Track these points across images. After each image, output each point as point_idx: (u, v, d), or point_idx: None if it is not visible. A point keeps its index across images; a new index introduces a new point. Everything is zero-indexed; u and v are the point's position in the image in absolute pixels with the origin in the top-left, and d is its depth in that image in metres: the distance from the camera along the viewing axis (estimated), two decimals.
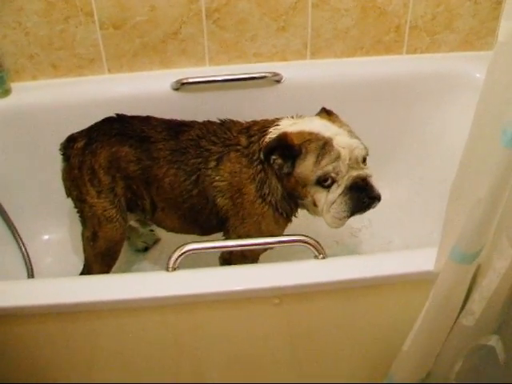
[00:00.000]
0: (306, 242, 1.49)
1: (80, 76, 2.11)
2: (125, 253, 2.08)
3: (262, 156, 1.62)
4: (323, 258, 1.49)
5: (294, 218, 1.78)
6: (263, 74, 2.09)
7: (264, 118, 1.79)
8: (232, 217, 1.73)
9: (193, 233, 1.87)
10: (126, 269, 2.13)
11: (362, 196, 1.57)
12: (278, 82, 2.11)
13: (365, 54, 2.20)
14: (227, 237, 1.78)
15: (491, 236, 1.34)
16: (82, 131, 1.81)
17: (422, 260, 1.47)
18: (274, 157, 1.60)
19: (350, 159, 1.55)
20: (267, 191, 1.67)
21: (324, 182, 1.56)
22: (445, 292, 1.39)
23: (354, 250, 2.20)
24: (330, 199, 1.57)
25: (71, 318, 1.47)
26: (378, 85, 2.16)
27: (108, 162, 1.74)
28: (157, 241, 2.25)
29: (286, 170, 1.60)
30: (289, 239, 1.55)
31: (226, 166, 1.69)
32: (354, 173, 1.56)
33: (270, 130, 1.66)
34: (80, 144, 1.77)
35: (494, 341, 1.51)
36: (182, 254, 1.46)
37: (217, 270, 1.59)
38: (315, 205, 1.62)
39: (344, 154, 1.54)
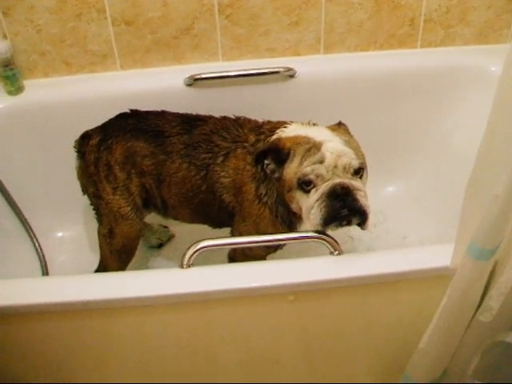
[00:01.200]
0: (321, 239, 1.48)
1: (92, 73, 2.10)
2: (139, 249, 2.07)
3: (253, 158, 1.58)
4: (339, 254, 1.47)
5: None
6: (276, 69, 2.07)
7: (277, 113, 1.77)
8: (236, 213, 1.72)
9: (204, 224, 1.87)
10: (141, 265, 2.13)
11: (340, 206, 1.45)
12: (292, 76, 2.09)
13: (379, 48, 2.17)
14: (232, 233, 1.77)
15: (508, 232, 1.32)
16: (96, 128, 1.81)
17: (438, 256, 1.45)
18: (266, 161, 1.56)
19: (335, 166, 1.46)
20: (264, 191, 1.63)
21: (305, 186, 1.48)
22: (462, 288, 1.37)
23: (369, 245, 2.18)
24: (308, 205, 1.49)
25: (85, 315, 1.47)
26: (392, 79, 2.14)
27: (124, 157, 1.74)
28: (171, 237, 2.24)
29: (277, 174, 1.55)
30: (304, 235, 1.53)
31: (231, 162, 1.67)
32: (337, 180, 1.46)
33: (277, 132, 1.63)
34: (95, 140, 1.77)
35: (511, 337, 1.50)
36: (197, 250, 1.45)
37: (231, 267, 1.59)
38: (301, 212, 1.54)
39: (329, 158, 1.45)
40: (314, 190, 1.47)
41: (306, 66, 2.11)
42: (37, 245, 2.10)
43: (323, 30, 2.10)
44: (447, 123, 2.19)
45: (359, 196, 1.46)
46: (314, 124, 1.67)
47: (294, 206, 1.56)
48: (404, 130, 2.24)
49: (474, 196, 1.29)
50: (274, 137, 1.62)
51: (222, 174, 1.68)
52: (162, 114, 1.80)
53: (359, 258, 1.51)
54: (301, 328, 1.59)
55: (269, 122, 1.73)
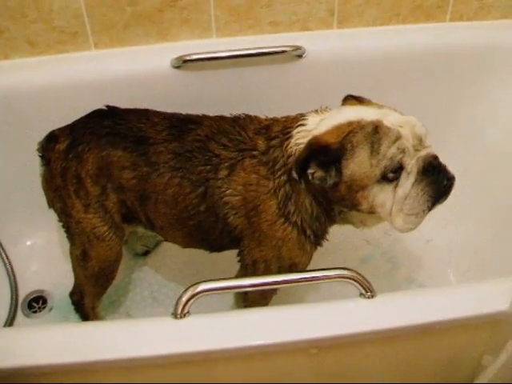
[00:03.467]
0: (349, 278, 1.23)
1: (61, 53, 1.87)
2: (123, 258, 1.84)
3: (294, 175, 1.31)
4: (371, 296, 1.22)
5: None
6: (282, 48, 1.85)
7: (283, 99, 1.67)
8: (247, 237, 1.46)
9: (201, 248, 1.61)
10: (125, 277, 1.96)
11: (441, 178, 1.30)
12: (300, 56, 1.87)
13: (402, 21, 1.96)
14: (241, 259, 1.52)
15: None
16: (64, 127, 1.53)
17: (492, 297, 1.23)
18: (310, 171, 1.29)
19: (412, 138, 1.28)
20: (292, 209, 1.38)
21: (392, 174, 1.27)
22: None
23: (388, 250, 1.99)
24: (401, 194, 1.28)
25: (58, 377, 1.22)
26: (417, 57, 1.92)
27: (97, 168, 1.47)
28: (158, 243, 2.02)
29: (330, 180, 1.29)
30: (326, 275, 1.25)
31: (239, 176, 1.41)
32: (423, 152, 1.28)
33: (294, 133, 1.36)
34: (62, 145, 1.49)
35: None
36: (195, 295, 1.19)
37: (237, 317, 1.29)
38: (373, 211, 1.32)
39: (405, 132, 1.26)
40: (404, 174, 1.28)
41: (317, 43, 1.90)
42: (4, 255, 1.92)
43: (337, 1, 1.88)
44: (480, 112, 1.98)
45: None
46: (326, 108, 1.43)
47: (363, 208, 1.31)
48: (429, 118, 1.92)
49: None
50: (303, 136, 1.35)
51: (228, 191, 1.41)
52: (146, 113, 1.53)
53: (396, 303, 1.25)
54: (324, 380, 1.36)
55: (274, 120, 1.47)
